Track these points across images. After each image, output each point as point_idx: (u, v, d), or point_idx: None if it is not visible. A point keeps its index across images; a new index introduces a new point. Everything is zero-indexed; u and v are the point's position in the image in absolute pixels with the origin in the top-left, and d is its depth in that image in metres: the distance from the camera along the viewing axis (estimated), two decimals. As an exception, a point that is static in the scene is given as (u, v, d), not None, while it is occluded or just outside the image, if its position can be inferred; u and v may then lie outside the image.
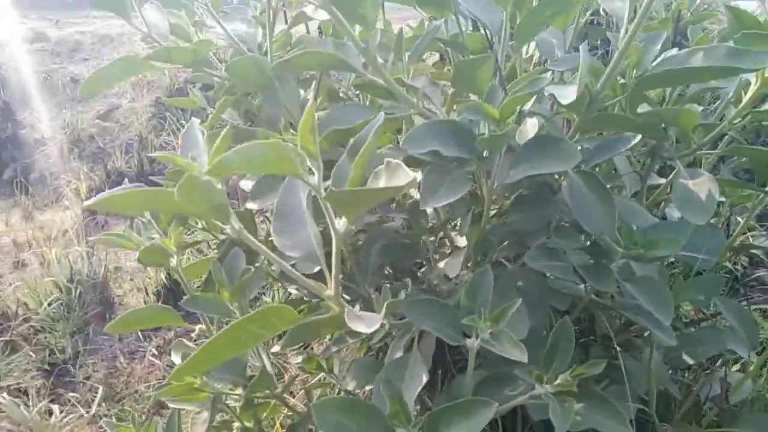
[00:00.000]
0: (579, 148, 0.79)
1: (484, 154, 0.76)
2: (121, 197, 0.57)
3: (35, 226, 2.79)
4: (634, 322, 1.14)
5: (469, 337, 0.69)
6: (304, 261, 0.72)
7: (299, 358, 1.16)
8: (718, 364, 0.93)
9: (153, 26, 1.03)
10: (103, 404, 1.67)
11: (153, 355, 1.84)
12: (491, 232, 0.86)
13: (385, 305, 0.67)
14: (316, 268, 0.80)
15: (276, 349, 0.81)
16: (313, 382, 1.31)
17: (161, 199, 0.58)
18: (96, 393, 1.71)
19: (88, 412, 1.64)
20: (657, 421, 1.00)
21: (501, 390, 0.76)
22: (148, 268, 2.21)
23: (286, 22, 1.13)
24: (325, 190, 0.59)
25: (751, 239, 1.46)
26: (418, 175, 0.76)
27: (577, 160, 0.65)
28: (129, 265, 2.43)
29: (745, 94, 0.77)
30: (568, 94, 0.66)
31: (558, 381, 0.64)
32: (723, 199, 1.20)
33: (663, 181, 1.03)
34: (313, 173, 0.58)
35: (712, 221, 1.18)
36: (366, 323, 0.65)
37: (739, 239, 1.13)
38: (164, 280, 2.09)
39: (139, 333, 1.93)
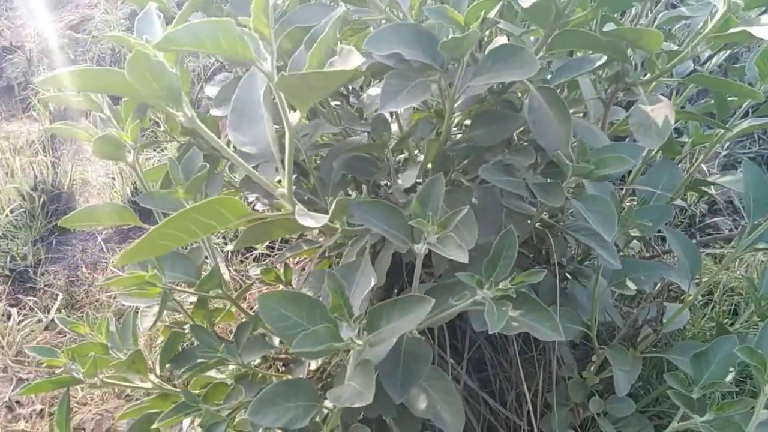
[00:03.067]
0: (544, 63, 0.79)
1: (448, 66, 0.75)
2: (73, 75, 0.56)
3: (1, 136, 2.72)
4: (585, 252, 1.17)
5: (417, 243, 0.70)
6: (259, 158, 0.72)
7: (258, 270, 1.18)
8: (656, 288, 0.97)
9: None
10: (63, 311, 1.68)
11: (115, 266, 1.84)
12: (450, 148, 0.86)
13: (334, 203, 0.67)
14: (273, 167, 0.80)
15: (230, 248, 0.81)
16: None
17: (113, 79, 0.57)
18: (56, 300, 1.72)
19: (46, 317, 1.65)
20: (597, 345, 1.05)
21: (446, 299, 0.79)
22: (115, 183, 2.18)
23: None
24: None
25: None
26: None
27: (536, 69, 0.64)
28: (97, 180, 2.39)
29: (711, 19, 0.77)
30: (528, -1, 0.65)
31: (499, 286, 0.66)
32: (686, 139, 1.22)
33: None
34: (266, 58, 0.57)
35: (672, 160, 1.21)
36: (315, 220, 0.66)
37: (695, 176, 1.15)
38: (129, 194, 2.06)
39: (103, 245, 1.92)
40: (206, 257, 0.94)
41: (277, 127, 0.72)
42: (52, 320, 1.63)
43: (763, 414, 0.75)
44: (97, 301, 1.72)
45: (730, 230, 1.94)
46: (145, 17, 0.67)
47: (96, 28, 3.53)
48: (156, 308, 0.87)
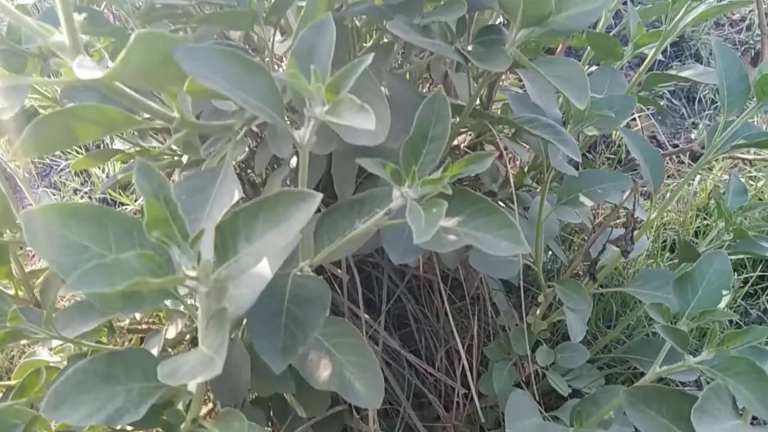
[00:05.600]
0: None
1: None
2: None
3: None
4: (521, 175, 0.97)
5: (298, 128, 0.44)
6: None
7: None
8: (625, 196, 0.77)
9: None
10: None
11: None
12: (346, 12, 0.61)
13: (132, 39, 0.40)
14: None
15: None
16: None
17: None
18: None
19: None
20: (543, 282, 0.85)
21: (349, 219, 0.54)
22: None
23: None
24: None
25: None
26: None
27: None
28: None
29: None
30: None
31: (426, 178, 0.42)
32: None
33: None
34: None
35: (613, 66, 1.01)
36: (100, 69, 0.39)
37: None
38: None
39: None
40: None
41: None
42: None
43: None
44: None
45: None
46: None
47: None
48: None
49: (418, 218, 0.39)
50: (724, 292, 0.63)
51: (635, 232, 0.69)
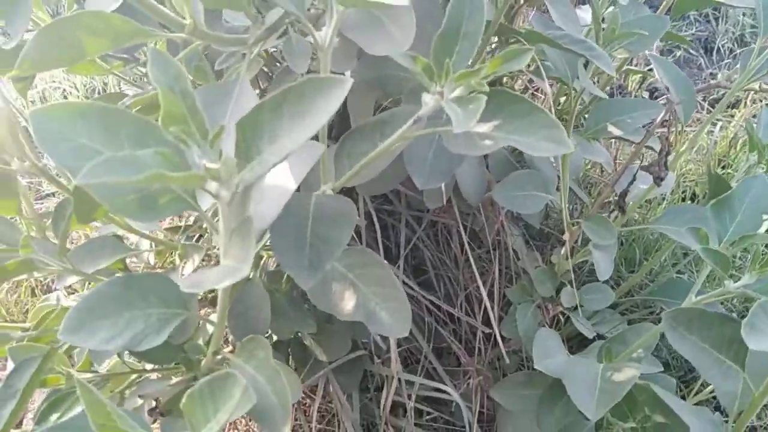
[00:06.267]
0: None
1: None
2: None
3: None
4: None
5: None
6: None
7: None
8: (656, 122, 0.73)
9: None
10: None
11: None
12: None
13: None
14: None
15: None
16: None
17: None
18: None
19: None
20: (568, 219, 0.82)
21: (371, 140, 0.51)
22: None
23: None
24: None
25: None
26: None
27: None
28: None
29: None
30: None
31: (460, 73, 0.39)
32: None
33: None
34: None
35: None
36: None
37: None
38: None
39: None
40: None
41: None
42: None
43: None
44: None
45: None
46: None
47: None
48: None
49: (455, 111, 0.36)
50: (765, 216, 0.60)
51: (669, 157, 0.66)
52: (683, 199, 1.37)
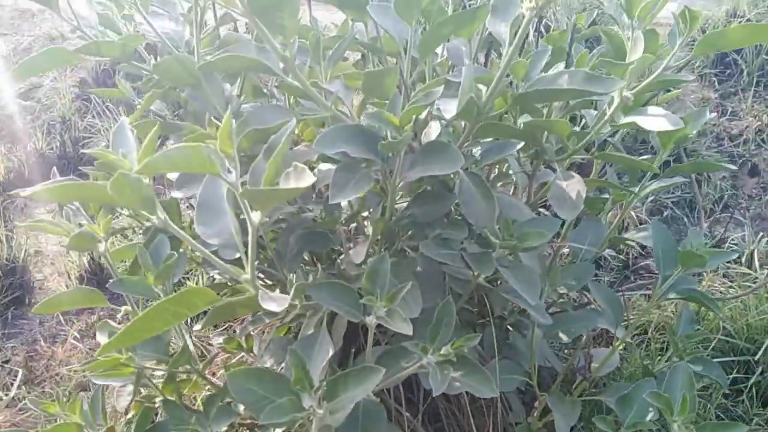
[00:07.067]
0: (470, 151, 0.91)
1: (388, 155, 0.86)
2: (60, 189, 0.64)
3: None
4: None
5: (369, 315, 0.79)
6: (223, 249, 0.80)
7: (221, 339, 1.24)
8: (583, 340, 1.08)
9: (82, 18, 1.07)
10: (23, 387, 1.69)
11: (75, 338, 1.85)
12: (396, 223, 0.97)
13: (294, 287, 0.76)
14: (236, 255, 0.89)
15: (198, 327, 0.89)
16: (233, 361, 1.38)
17: (95, 192, 0.66)
18: (15, 377, 1.72)
19: (7, 395, 1.65)
20: (538, 392, 1.15)
21: (397, 362, 0.88)
22: (70, 252, 2.20)
23: (216, 18, 1.20)
24: (243, 185, 0.68)
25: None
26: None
27: (461, 163, 0.76)
28: (50, 249, 2.40)
29: (609, 108, 0.91)
30: (449, 109, 0.77)
31: (441, 352, 0.76)
32: (607, 196, 1.37)
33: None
34: (231, 172, 0.66)
35: (597, 216, 1.35)
36: (277, 303, 0.74)
37: (615, 232, 1.29)
38: (87, 264, 2.09)
39: (61, 317, 1.94)
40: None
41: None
42: (13, 398, 1.63)
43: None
44: (57, 374, 1.73)
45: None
46: (118, 131, 0.76)
47: (45, 95, 3.56)
48: (130, 387, 0.93)
49: (436, 379, 0.72)
50: (650, 409, 0.93)
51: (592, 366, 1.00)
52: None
